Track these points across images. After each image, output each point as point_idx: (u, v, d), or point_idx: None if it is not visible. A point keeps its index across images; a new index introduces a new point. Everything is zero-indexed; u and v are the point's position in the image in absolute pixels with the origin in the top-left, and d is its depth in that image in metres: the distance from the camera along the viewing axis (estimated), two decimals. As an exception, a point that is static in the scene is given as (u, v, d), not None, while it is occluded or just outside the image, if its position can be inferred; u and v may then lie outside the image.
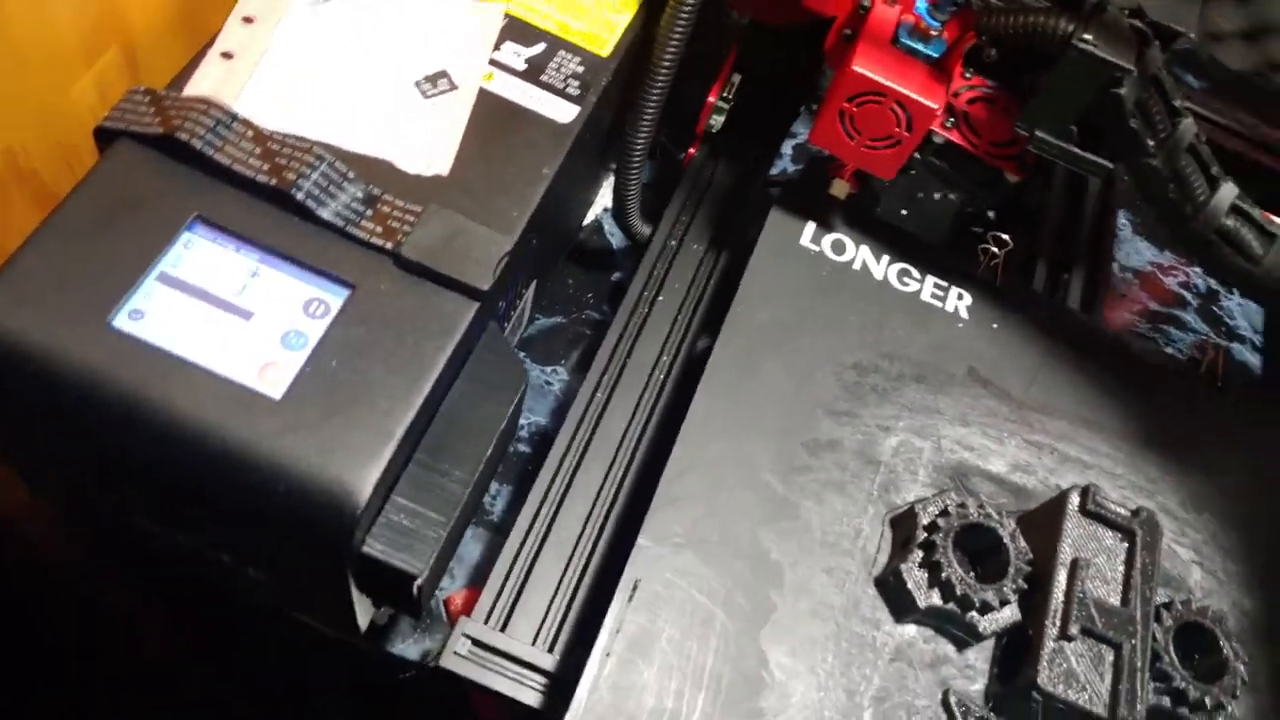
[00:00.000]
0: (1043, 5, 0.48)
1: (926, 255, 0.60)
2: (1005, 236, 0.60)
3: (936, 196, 0.64)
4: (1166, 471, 0.57)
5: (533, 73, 0.53)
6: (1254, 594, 0.54)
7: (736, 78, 0.64)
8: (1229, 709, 0.47)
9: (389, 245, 0.44)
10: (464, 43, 0.52)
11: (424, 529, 0.43)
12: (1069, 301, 0.65)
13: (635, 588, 0.46)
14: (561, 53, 0.54)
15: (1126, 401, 0.58)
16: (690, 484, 0.49)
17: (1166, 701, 0.47)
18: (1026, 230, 0.66)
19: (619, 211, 0.64)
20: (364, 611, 0.48)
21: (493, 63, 0.53)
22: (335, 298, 0.43)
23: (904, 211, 0.64)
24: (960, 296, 0.59)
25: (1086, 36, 0.45)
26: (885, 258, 0.59)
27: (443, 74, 0.51)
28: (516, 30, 0.55)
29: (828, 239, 0.59)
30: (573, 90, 0.52)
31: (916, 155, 0.51)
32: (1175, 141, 0.48)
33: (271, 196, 0.44)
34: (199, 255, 0.43)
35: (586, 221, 0.73)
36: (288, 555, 0.46)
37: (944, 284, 0.59)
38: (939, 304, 0.59)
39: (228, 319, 0.42)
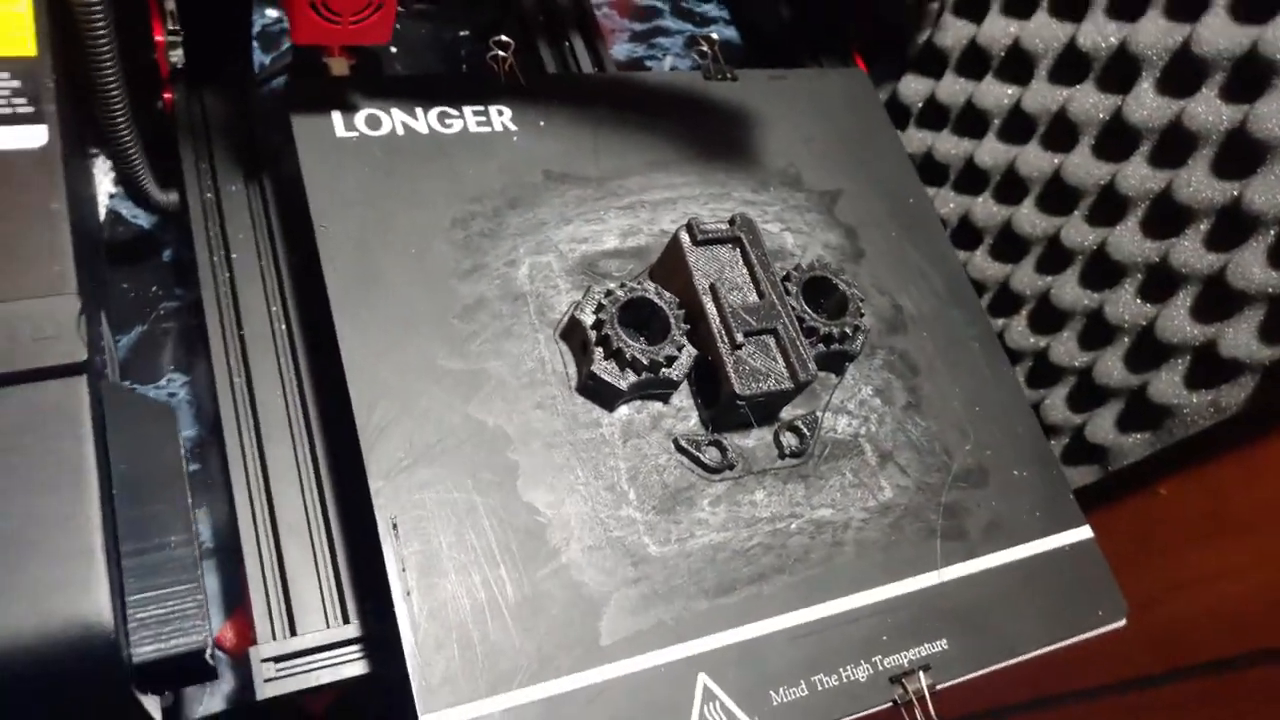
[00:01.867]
0: None
1: (452, 89, 0.61)
2: (505, 38, 0.62)
3: (423, 32, 0.64)
4: (728, 170, 0.65)
5: (-38, 114, 0.45)
6: (831, 229, 0.66)
7: (170, 3, 0.58)
8: (862, 326, 0.59)
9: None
10: None
11: (181, 604, 0.41)
12: (582, 67, 0.70)
13: (395, 525, 0.47)
14: (-20, 75, 0.46)
15: (669, 128, 0.65)
16: (383, 410, 0.50)
17: (823, 347, 0.57)
18: (515, 21, 0.69)
19: (135, 194, 0.58)
20: (156, 708, 0.46)
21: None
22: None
23: (397, 65, 0.63)
24: (500, 113, 0.61)
25: None
26: (419, 110, 0.60)
27: None
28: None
29: (359, 118, 0.58)
30: (24, 109, 0.45)
31: (400, 8, 0.51)
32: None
33: None
34: None
35: (101, 218, 0.65)
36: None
37: (481, 108, 0.61)
38: (487, 128, 0.61)
39: None
